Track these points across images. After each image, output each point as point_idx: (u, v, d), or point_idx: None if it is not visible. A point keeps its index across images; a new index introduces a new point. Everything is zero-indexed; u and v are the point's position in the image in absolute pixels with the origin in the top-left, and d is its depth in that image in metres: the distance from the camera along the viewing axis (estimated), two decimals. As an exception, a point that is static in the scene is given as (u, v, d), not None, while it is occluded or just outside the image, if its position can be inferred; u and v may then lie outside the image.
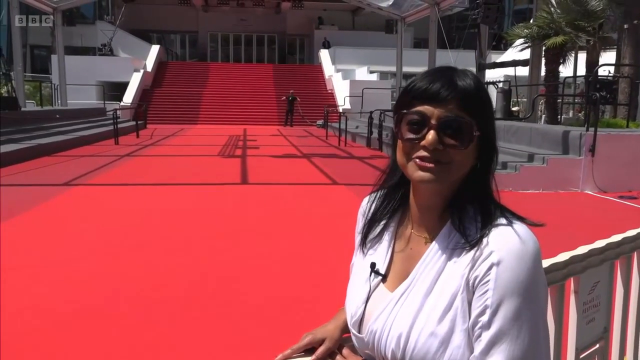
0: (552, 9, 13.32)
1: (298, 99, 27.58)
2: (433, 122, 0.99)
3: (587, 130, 8.98)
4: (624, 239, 2.20)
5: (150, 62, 32.21)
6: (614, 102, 11.73)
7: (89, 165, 11.20)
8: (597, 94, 9.54)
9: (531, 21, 15.31)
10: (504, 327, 0.94)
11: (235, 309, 3.74)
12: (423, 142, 0.99)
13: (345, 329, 1.19)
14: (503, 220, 1.01)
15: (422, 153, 1.00)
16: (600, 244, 2.11)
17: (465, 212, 1.03)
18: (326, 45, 36.49)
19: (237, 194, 8.48)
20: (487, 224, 1.01)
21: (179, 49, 43.04)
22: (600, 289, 2.09)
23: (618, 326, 2.30)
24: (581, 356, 2.04)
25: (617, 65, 14.17)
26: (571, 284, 1.95)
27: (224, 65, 37.64)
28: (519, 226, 1.00)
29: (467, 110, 0.99)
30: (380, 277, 1.13)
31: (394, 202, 1.16)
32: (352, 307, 1.15)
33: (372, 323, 1.08)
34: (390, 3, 23.78)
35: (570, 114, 16.32)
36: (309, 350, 1.18)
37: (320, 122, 26.92)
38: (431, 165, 0.99)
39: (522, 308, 0.95)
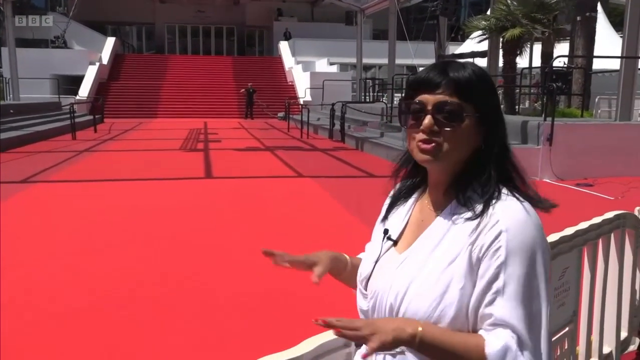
0: (509, 1, 13.59)
1: (256, 91, 27.41)
2: (429, 108, 1.12)
3: (545, 120, 9.23)
4: (590, 226, 2.30)
5: (106, 55, 31.52)
6: (569, 93, 12.06)
7: (46, 162, 10.92)
8: (554, 85, 9.80)
9: (488, 13, 15.60)
10: (519, 292, 1.04)
11: (202, 303, 3.74)
12: (421, 127, 1.12)
13: (333, 263, 1.39)
14: (506, 195, 1.12)
15: (422, 136, 1.13)
16: (569, 231, 2.20)
17: (471, 189, 1.14)
18: (287, 35, 36.33)
19: (201, 188, 8.41)
20: (491, 198, 1.11)
21: (135, 41, 42.15)
22: (569, 274, 2.18)
23: (585, 309, 2.40)
24: (553, 339, 2.13)
25: (571, 56, 14.57)
26: (543, 270, 2.03)
27: (182, 57, 37.10)
28: (521, 200, 1.11)
29: (458, 95, 1.11)
30: (391, 242, 1.26)
31: (414, 182, 1.31)
32: (363, 267, 1.30)
33: (377, 281, 1.22)
34: (350, -5, 23.85)
35: (527, 104, 16.71)
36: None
37: (281, 114, 26.86)
38: (429, 146, 1.12)
39: (531, 271, 1.05)
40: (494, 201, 1.10)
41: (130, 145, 14.88)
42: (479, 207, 1.10)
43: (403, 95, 1.22)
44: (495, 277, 1.04)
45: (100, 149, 13.83)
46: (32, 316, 3.51)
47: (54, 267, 4.52)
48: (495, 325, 1.04)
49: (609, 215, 2.41)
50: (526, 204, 1.11)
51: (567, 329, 2.21)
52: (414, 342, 1.04)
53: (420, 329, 1.05)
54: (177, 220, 6.25)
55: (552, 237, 2.04)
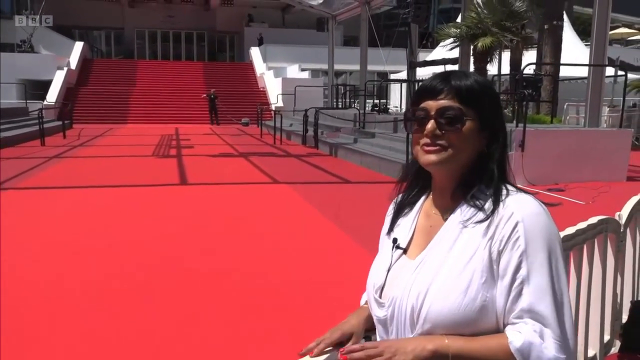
0: (479, 9, 13.83)
1: (218, 97, 27.26)
2: (432, 113, 1.18)
3: (517, 126, 9.40)
4: (576, 231, 2.35)
5: (74, 60, 30.97)
6: (539, 99, 12.32)
7: (15, 168, 10.67)
8: (525, 92, 10.00)
9: (458, 20, 15.84)
10: (544, 280, 1.08)
11: (178, 311, 3.70)
12: (425, 131, 1.18)
13: (367, 324, 1.33)
14: (515, 191, 1.18)
15: (425, 140, 1.19)
16: (557, 236, 2.24)
17: (479, 190, 1.18)
18: (260, 40, 36.27)
19: (176, 195, 8.33)
20: (499, 195, 1.16)
21: (104, 46, 41.54)
22: (557, 279, 2.23)
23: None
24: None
25: (540, 64, 14.90)
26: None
27: (152, 63, 36.75)
28: (529, 195, 1.18)
29: (459, 100, 1.17)
30: (401, 251, 1.28)
31: (418, 187, 1.34)
32: (374, 277, 1.30)
33: (393, 289, 1.22)
34: (321, 1, 23.91)
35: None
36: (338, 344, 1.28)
37: (245, 119, 26.83)
38: (433, 149, 1.17)
39: (552, 258, 1.10)
40: (503, 197, 1.16)
41: (101, 151, 14.65)
42: (489, 205, 1.15)
43: (410, 102, 1.28)
44: (518, 267, 1.08)
45: (70, 155, 13.59)
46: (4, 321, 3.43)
47: (21, 274, 4.41)
48: (523, 315, 1.07)
49: (593, 220, 2.47)
50: (532, 196, 1.17)
51: (555, 332, 2.24)
52: (447, 357, 1.07)
53: (446, 341, 1.08)
54: (152, 227, 6.17)
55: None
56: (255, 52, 34.41)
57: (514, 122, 9.84)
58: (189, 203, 7.63)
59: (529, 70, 13.31)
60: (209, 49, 41.69)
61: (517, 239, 1.09)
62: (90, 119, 26.18)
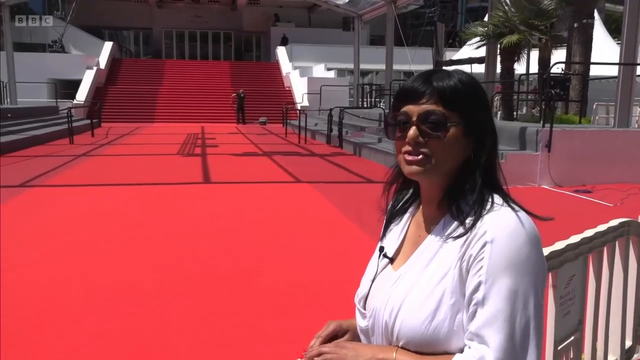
0: (507, 7, 13.64)
1: (245, 97, 27.50)
2: (414, 119, 1.10)
3: (543, 126, 9.24)
4: (595, 233, 2.29)
5: (103, 59, 31.47)
6: (567, 99, 12.09)
7: (44, 166, 10.88)
8: (552, 91, 9.83)
9: (486, 19, 15.65)
10: (498, 305, 0.99)
11: (203, 309, 3.71)
12: (407, 138, 1.10)
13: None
14: (500, 205, 1.07)
15: (407, 148, 1.10)
16: (575, 239, 2.19)
17: (464, 201, 1.10)
18: (284, 40, 36.38)
19: (200, 193, 8.39)
20: (481, 209, 1.07)
21: (132, 46, 42.15)
22: (575, 282, 2.17)
23: (590, 318, 2.39)
24: (558, 348, 2.11)
25: (569, 63, 14.62)
26: (549, 278, 2.02)
27: (179, 62, 37.12)
28: (515, 211, 1.06)
29: (442, 104, 1.08)
30: (387, 260, 1.24)
31: (408, 195, 1.29)
32: (361, 286, 1.28)
33: (374, 299, 1.19)
34: (347, 0, 23.88)
35: (524, 111, 16.75)
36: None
37: (262, 119, 26.97)
38: (416, 158, 1.09)
39: (515, 285, 0.99)
40: (484, 212, 1.06)
41: (127, 149, 14.84)
42: (470, 219, 1.07)
43: (390, 106, 1.20)
44: (476, 289, 1.01)
45: (98, 154, 13.80)
46: (29, 317, 3.48)
47: (50, 270, 4.48)
48: (473, 338, 1.01)
49: (614, 222, 2.40)
50: (521, 213, 1.06)
51: (572, 337, 2.19)
52: None
53: (394, 354, 1.07)
54: (175, 225, 6.22)
55: (558, 245, 2.03)
56: (281, 52, 34.50)
57: (541, 122, 9.67)
58: (211, 201, 7.67)
59: (557, 69, 13.08)
60: (236, 48, 41.98)
61: (481, 259, 1.01)
62: (118, 118, 26.58)
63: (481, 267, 1.00)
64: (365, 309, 1.22)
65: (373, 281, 1.22)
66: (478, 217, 1.05)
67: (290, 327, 3.45)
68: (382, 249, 1.25)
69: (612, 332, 2.51)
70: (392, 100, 1.19)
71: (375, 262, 1.26)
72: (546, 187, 8.78)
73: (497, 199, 1.09)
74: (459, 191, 1.10)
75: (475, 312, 1.00)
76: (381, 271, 1.23)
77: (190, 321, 3.52)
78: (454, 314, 1.04)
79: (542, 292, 1.04)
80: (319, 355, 1.15)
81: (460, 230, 1.06)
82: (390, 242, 1.26)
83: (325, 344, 1.21)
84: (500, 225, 1.03)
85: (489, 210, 1.06)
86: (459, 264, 1.04)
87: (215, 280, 4.34)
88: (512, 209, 1.06)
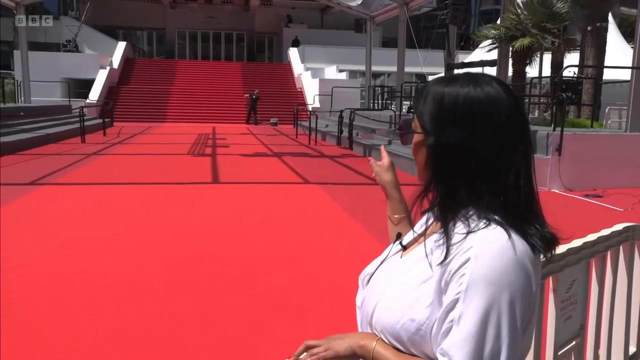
0: (519, 10, 13.57)
1: (259, 98, 27.61)
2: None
3: (554, 130, 9.17)
4: (598, 238, 2.26)
5: (116, 59, 31.69)
6: (579, 103, 12.00)
7: (55, 164, 10.97)
8: (564, 95, 9.75)
9: (498, 22, 15.57)
10: (471, 328, 0.95)
11: (210, 308, 3.72)
12: None
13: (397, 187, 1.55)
14: (496, 224, 1.01)
15: None
16: (576, 243, 2.16)
17: (463, 213, 1.05)
18: (295, 42, 36.43)
19: (208, 193, 8.41)
20: (475, 226, 1.02)
21: (145, 46, 42.40)
22: (576, 287, 2.15)
23: (593, 323, 2.36)
24: (559, 352, 2.09)
25: (581, 66, 14.51)
26: (550, 282, 2.00)
27: (192, 62, 37.28)
28: (510, 233, 0.99)
29: (415, 109, 1.13)
30: (401, 247, 1.25)
31: None
32: (371, 264, 1.29)
33: (375, 280, 1.21)
34: (360, 2, 23.86)
35: (536, 114, 16.64)
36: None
37: (274, 120, 27.04)
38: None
39: (491, 308, 0.95)
40: (475, 229, 1.01)
41: (138, 149, 14.93)
42: (463, 232, 1.02)
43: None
44: (452, 306, 0.98)
45: (109, 153, 13.88)
46: (36, 316, 3.50)
47: (59, 268, 4.51)
48: (444, 355, 0.98)
49: (618, 227, 2.37)
50: (516, 237, 0.99)
51: (574, 342, 2.17)
52: (369, 356, 1.10)
53: (374, 344, 1.10)
54: (183, 224, 6.24)
55: (559, 249, 2.01)
56: (293, 53, 34.54)
57: (552, 125, 9.60)
58: (219, 201, 7.69)
59: (569, 72, 12.99)
60: (248, 49, 42.08)
61: (462, 275, 0.97)
62: (130, 117, 26.74)
63: (460, 283, 0.97)
64: (365, 286, 1.24)
65: (381, 263, 1.24)
66: (469, 231, 1.01)
67: (295, 327, 3.44)
68: (399, 235, 1.29)
69: (616, 338, 2.48)
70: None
71: (391, 246, 1.29)
72: (556, 191, 8.72)
73: (497, 217, 1.02)
74: (457, 203, 1.07)
75: (449, 329, 0.98)
76: (392, 256, 1.25)
77: (197, 320, 3.53)
78: (426, 317, 1.03)
79: (523, 317, 0.99)
80: (311, 356, 1.16)
81: (456, 237, 1.02)
82: (410, 231, 1.28)
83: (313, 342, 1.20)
84: (487, 242, 0.98)
85: (482, 228, 1.01)
86: (442, 274, 1.01)
87: (222, 280, 4.35)
88: (506, 231, 0.99)
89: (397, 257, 1.23)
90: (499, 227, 1.00)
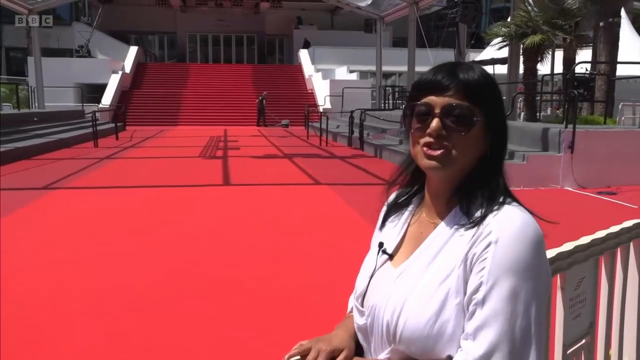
0: (530, 7, 13.45)
1: (266, 98, 27.73)
2: (437, 110, 1.06)
3: (566, 127, 9.09)
4: (607, 234, 2.23)
5: (128, 64, 31.92)
6: (591, 99, 11.88)
7: (68, 169, 11.05)
8: (575, 92, 9.66)
9: (509, 19, 15.46)
10: (497, 306, 0.96)
11: (220, 310, 3.72)
12: (428, 130, 1.06)
13: (356, 337, 1.23)
14: (508, 205, 1.06)
15: (428, 140, 1.07)
16: (585, 240, 2.13)
17: (474, 198, 1.08)
18: (306, 44, 36.45)
19: (219, 195, 8.43)
20: (492, 207, 1.05)
21: (157, 50, 42.68)
22: (585, 284, 2.11)
23: (603, 321, 2.32)
24: (568, 351, 2.06)
25: (594, 62, 14.36)
26: (557, 280, 1.98)
27: (203, 66, 37.44)
28: (522, 212, 1.04)
29: (468, 98, 1.06)
30: (387, 256, 1.20)
31: (412, 190, 1.24)
32: (358, 282, 1.23)
33: (373, 297, 1.15)
34: (369, 2, 23.84)
35: (549, 111, 16.50)
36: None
37: (285, 121, 27.07)
38: (437, 152, 1.06)
39: (517, 288, 0.97)
40: (494, 210, 1.04)
41: (150, 152, 15.01)
42: (479, 216, 1.04)
43: (408, 96, 1.16)
44: (476, 290, 0.99)
45: (121, 156, 13.97)
46: (46, 320, 3.52)
47: (71, 272, 4.54)
48: (467, 338, 0.98)
49: (628, 223, 2.33)
50: (525, 214, 1.04)
51: (583, 341, 2.14)
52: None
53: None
54: (194, 226, 6.26)
55: (567, 246, 1.98)
56: (304, 55, 34.58)
57: (564, 122, 9.52)
58: (230, 203, 7.71)
59: (582, 69, 12.86)
60: (259, 51, 42.18)
61: (484, 259, 0.99)
62: (142, 121, 26.91)
63: (483, 267, 0.98)
64: (363, 307, 1.18)
65: (371, 278, 1.19)
66: (488, 213, 1.04)
67: (309, 330, 3.43)
68: (381, 244, 1.21)
69: (627, 337, 2.44)
70: (410, 90, 1.15)
71: (373, 258, 1.22)
72: (569, 188, 8.63)
73: (506, 199, 1.07)
74: (472, 188, 1.08)
75: (474, 312, 0.98)
76: (379, 267, 1.19)
77: (207, 322, 3.53)
78: (458, 314, 1.01)
79: (545, 299, 1.01)
80: None
81: (469, 229, 1.05)
82: (390, 238, 1.22)
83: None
84: (506, 226, 1.01)
85: (497, 210, 1.04)
86: (463, 263, 1.02)
87: (233, 282, 4.35)
88: (518, 209, 1.04)
89: (388, 267, 1.18)
90: (511, 207, 1.05)
